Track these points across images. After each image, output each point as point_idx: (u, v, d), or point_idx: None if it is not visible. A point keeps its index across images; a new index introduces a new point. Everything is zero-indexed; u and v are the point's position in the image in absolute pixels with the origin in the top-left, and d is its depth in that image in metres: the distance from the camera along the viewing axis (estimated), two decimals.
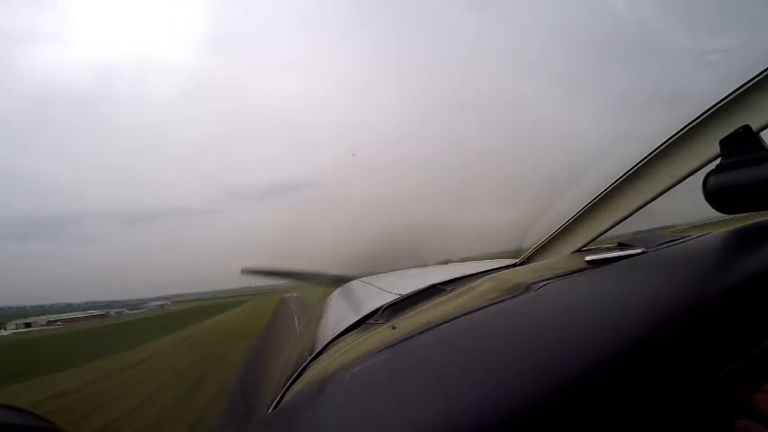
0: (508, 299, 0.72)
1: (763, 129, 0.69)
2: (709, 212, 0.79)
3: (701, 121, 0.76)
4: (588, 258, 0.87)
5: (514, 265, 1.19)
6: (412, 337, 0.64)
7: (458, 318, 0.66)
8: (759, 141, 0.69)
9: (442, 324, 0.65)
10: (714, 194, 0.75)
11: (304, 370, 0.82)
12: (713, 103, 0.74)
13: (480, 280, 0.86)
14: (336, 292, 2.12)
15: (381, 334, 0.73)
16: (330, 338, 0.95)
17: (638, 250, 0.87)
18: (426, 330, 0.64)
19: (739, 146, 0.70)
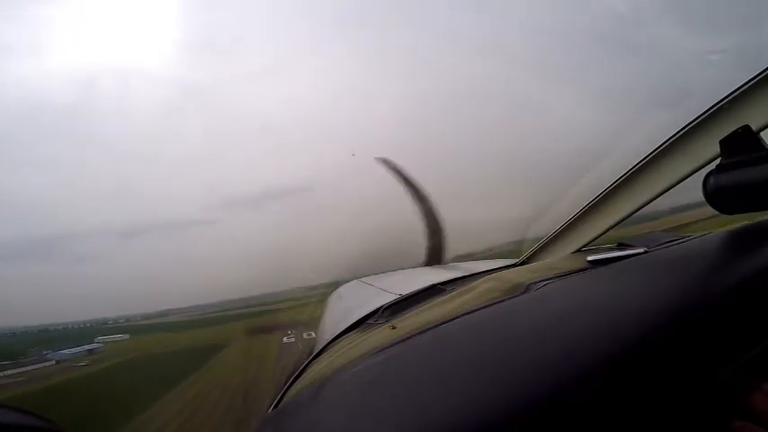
0: (508, 299, 0.72)
1: (763, 129, 0.69)
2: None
3: (701, 121, 0.76)
4: (589, 258, 0.87)
5: (514, 265, 1.19)
6: (412, 337, 0.63)
7: (458, 318, 0.66)
8: (759, 141, 0.69)
9: (441, 324, 0.65)
10: (714, 194, 0.75)
11: (304, 370, 0.82)
12: (713, 103, 0.74)
13: (480, 280, 0.86)
14: (336, 292, 2.13)
15: (381, 334, 0.73)
16: (330, 338, 0.95)
17: (639, 250, 0.87)
18: (426, 330, 0.64)
19: (739, 146, 0.70)
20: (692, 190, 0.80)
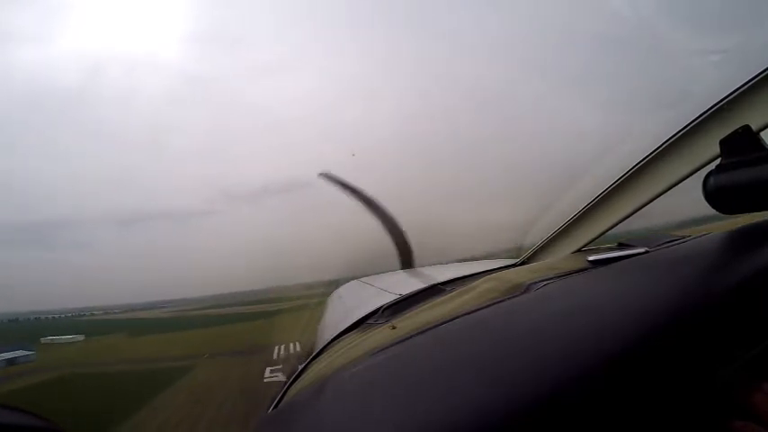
0: (508, 299, 0.72)
1: (763, 129, 0.69)
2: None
3: (701, 121, 0.76)
4: (589, 258, 0.87)
5: (514, 265, 1.19)
6: (412, 337, 0.63)
7: (458, 318, 0.66)
8: (759, 141, 0.69)
9: (441, 324, 0.65)
10: (714, 194, 0.75)
11: (304, 370, 0.82)
12: (713, 103, 0.74)
13: (480, 280, 0.86)
14: (336, 292, 2.13)
15: (381, 334, 0.73)
16: (330, 338, 0.95)
17: (640, 250, 0.87)
18: (426, 330, 0.64)
19: (739, 146, 0.70)
20: (692, 190, 0.79)
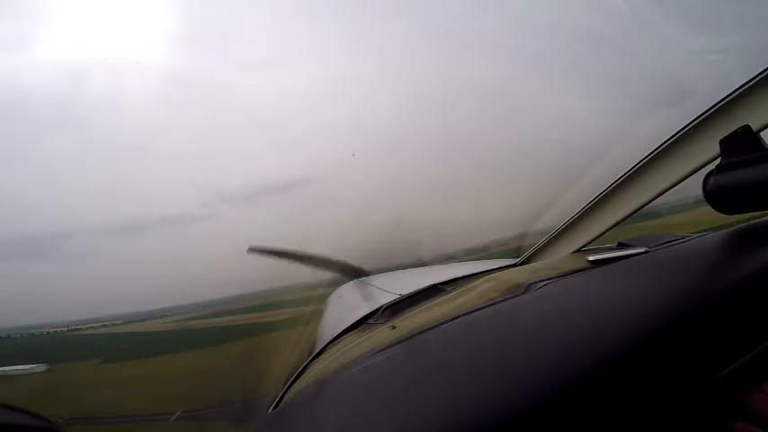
0: (508, 299, 0.72)
1: (763, 129, 0.69)
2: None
3: (701, 121, 0.76)
4: (589, 258, 0.87)
5: (514, 265, 1.19)
6: (412, 337, 0.64)
7: (458, 318, 0.66)
8: (759, 141, 0.69)
9: (442, 324, 0.65)
10: (714, 194, 0.75)
11: (304, 370, 0.82)
12: (713, 103, 0.74)
13: (480, 280, 0.86)
14: (336, 292, 2.12)
15: (381, 334, 0.73)
16: (330, 338, 0.95)
17: (640, 250, 0.87)
18: (426, 330, 0.64)
19: (739, 146, 0.70)
20: (692, 190, 0.80)
